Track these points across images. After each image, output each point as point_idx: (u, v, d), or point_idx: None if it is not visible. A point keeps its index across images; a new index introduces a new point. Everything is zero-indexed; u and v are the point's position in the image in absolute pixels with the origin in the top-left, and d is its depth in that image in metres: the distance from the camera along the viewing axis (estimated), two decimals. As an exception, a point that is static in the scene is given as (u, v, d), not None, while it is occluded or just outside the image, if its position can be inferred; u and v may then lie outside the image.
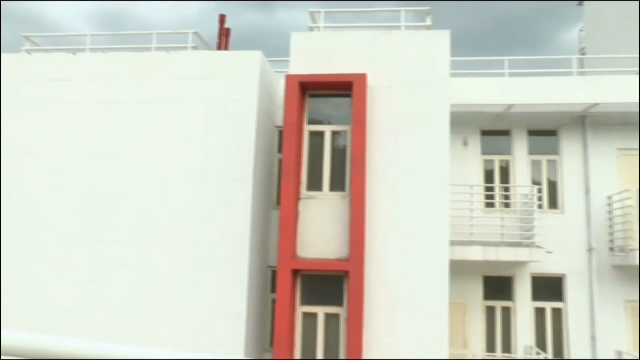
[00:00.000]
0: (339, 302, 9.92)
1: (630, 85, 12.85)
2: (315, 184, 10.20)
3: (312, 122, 10.46)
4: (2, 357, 1.50)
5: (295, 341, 9.87)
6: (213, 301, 10.13)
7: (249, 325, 10.31)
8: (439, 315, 9.71)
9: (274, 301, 10.52)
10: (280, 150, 11.26)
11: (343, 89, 10.17)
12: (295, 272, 9.92)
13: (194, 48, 11.84)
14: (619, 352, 12.09)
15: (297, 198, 10.06)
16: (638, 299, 12.23)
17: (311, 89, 10.41)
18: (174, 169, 10.67)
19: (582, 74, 14.46)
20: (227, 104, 10.81)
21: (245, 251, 10.27)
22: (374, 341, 9.64)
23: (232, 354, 9.88)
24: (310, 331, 9.94)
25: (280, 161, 10.99)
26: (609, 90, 12.49)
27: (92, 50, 12.01)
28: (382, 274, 9.79)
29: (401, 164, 9.96)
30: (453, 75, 11.89)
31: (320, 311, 9.97)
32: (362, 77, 9.99)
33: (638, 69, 12.97)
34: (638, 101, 12.07)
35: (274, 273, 10.78)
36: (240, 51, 11.36)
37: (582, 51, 23.36)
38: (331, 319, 9.95)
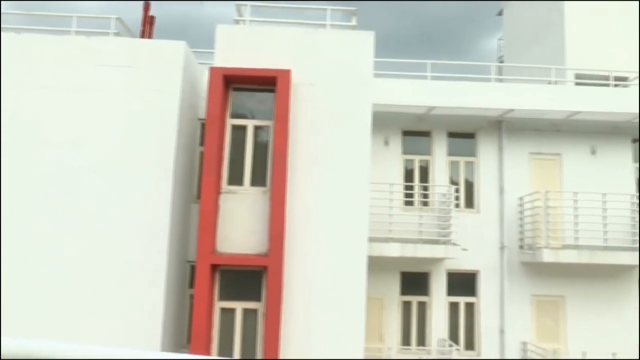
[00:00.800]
0: (257, 298, 9.93)
1: (542, 94, 13.58)
2: (236, 178, 10.14)
3: (235, 115, 10.38)
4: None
5: (213, 337, 9.80)
6: (130, 296, 9.88)
7: (166, 320, 10.14)
8: (356, 310, 9.90)
9: (192, 297, 10.39)
10: (202, 143, 11.11)
11: (267, 84, 10.15)
12: (214, 267, 9.84)
13: (117, 35, 11.46)
14: (525, 344, 12.80)
15: (218, 192, 9.97)
16: (543, 293, 12.99)
17: (235, 83, 10.33)
18: (92, 159, 10.29)
19: (499, 80, 15.12)
20: (149, 94, 10.53)
21: (164, 245, 10.08)
22: (291, 336, 9.72)
23: (149, 349, 9.68)
24: (228, 327, 9.90)
25: (201, 154, 10.83)
26: (524, 97, 13.14)
27: (4, 29, 11.36)
28: (301, 269, 9.88)
29: (323, 161, 10.07)
30: (376, 75, 12.13)
31: (239, 307, 9.95)
32: (286, 73, 10.01)
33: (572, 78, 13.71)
34: (550, 109, 12.78)
35: (193, 268, 10.64)
36: (164, 40, 11.10)
37: (500, 59, 24.43)
38: (249, 314, 9.95)
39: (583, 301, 13.17)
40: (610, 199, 12.77)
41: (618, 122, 13.61)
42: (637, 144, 14.12)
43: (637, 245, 13.05)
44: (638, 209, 13.20)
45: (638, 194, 13.45)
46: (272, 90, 10.19)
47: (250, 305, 9.94)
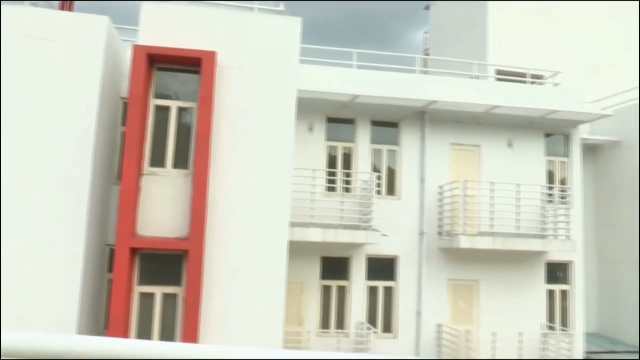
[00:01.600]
0: (177, 282, 9.90)
1: (464, 88, 14.20)
2: (158, 160, 10.03)
3: (158, 96, 10.24)
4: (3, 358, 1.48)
5: (131, 322, 9.71)
6: (46, 280, 9.61)
7: (83, 305, 9.95)
8: (276, 294, 10.08)
9: (111, 281, 10.25)
10: (124, 122, 10.90)
11: (192, 64, 10.07)
12: (134, 251, 9.73)
13: (33, 4, 11.01)
14: (440, 326, 13.47)
15: (139, 174, 9.84)
16: (458, 278, 13.72)
17: (159, 62, 10.18)
18: (6, 137, 9.88)
19: (424, 73, 15.64)
20: (68, 69, 10.19)
21: (82, 228, 9.84)
22: (211, 321, 9.77)
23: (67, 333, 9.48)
24: (147, 312, 9.82)
25: (123, 134, 10.65)
26: (446, 90, 13.71)
27: None
28: (222, 253, 9.93)
29: (247, 144, 10.13)
30: (303, 62, 12.29)
31: (158, 291, 9.87)
32: (211, 54, 9.97)
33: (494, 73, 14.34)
34: (471, 102, 13.39)
35: (112, 251, 10.48)
36: (86, 14, 10.76)
37: (426, 52, 25.24)
38: (169, 299, 9.91)
39: (495, 285, 14.00)
40: (523, 189, 13.57)
41: (533, 118, 14.44)
42: (549, 138, 15.05)
43: (546, 233, 13.99)
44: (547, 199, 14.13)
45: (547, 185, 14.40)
46: (197, 72, 10.12)
47: (170, 289, 9.90)
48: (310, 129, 13.23)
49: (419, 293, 13.56)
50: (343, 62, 13.87)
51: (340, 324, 13.29)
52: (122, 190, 9.58)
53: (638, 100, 17.17)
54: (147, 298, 9.83)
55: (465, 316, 13.84)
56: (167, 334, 9.79)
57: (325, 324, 13.25)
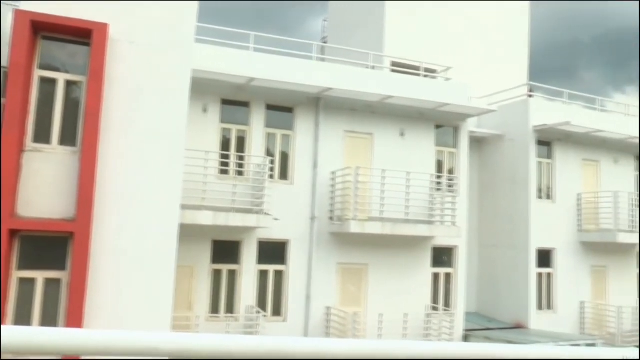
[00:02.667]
0: (61, 266, 9.74)
1: (360, 77, 14.96)
2: (43, 136, 9.83)
3: (44, 67, 10.00)
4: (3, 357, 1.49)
5: (7, 310, 9.44)
6: None
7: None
8: (166, 278, 10.22)
9: (-15, 263, 9.91)
10: (4, 94, 10.53)
11: (82, 36, 9.92)
12: (14, 233, 9.47)
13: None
14: (329, 308, 14.23)
15: (21, 150, 9.60)
16: (348, 262, 14.54)
17: (45, 31, 9.92)
18: None
19: (321, 60, 16.24)
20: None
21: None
22: (97, 306, 9.71)
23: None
24: (26, 299, 9.58)
25: (3, 107, 10.30)
26: (342, 78, 14.40)
27: None
28: (110, 235, 9.91)
29: (138, 123, 10.17)
30: (199, 41, 12.45)
31: (40, 276, 9.65)
32: (103, 26, 9.87)
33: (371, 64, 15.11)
34: (366, 91, 14.15)
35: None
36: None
37: (324, 40, 25.97)
38: (52, 284, 9.71)
39: (384, 268, 14.99)
40: (413, 177, 14.56)
41: (425, 109, 15.51)
42: (439, 130, 16.21)
43: (433, 219, 15.13)
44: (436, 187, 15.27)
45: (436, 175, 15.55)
46: (87, 44, 10.00)
47: (54, 274, 9.72)
48: (205, 110, 13.41)
49: (309, 277, 14.20)
50: (240, 45, 14.12)
51: (231, 309, 13.66)
52: (1, 167, 9.29)
53: (522, 98, 18.89)
54: (27, 284, 9.60)
55: (353, 299, 14.70)
56: (48, 322, 9.63)
57: (215, 309, 13.55)
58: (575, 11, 76.76)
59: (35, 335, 1.51)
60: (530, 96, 19.36)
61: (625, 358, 1.96)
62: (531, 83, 20.98)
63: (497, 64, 22.57)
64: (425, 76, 17.03)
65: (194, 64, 10.74)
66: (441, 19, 22.26)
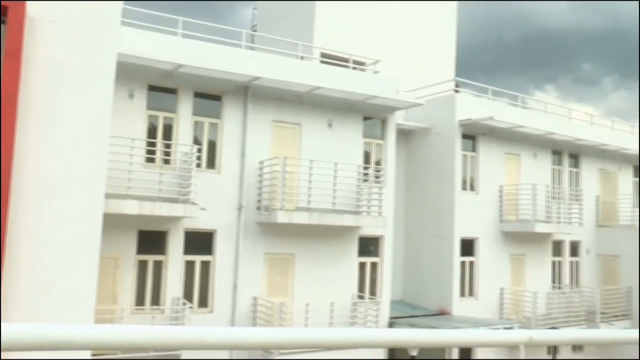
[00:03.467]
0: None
1: (289, 67, 15.16)
2: (-47, 119, 9.49)
3: (-47, 47, 9.64)
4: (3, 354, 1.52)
5: None
6: None
7: None
8: (88, 270, 10.01)
9: None
10: None
11: (-4, 16, 9.62)
12: None
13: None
14: (255, 299, 14.41)
15: None
16: (276, 252, 14.77)
17: (-44, 10, 9.57)
18: None
19: (250, 48, 16.31)
20: None
21: None
22: (14, 299, 9.46)
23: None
24: None
25: None
26: (271, 67, 14.55)
27: None
28: (29, 226, 9.65)
29: (60, 108, 9.96)
30: (125, 24, 12.28)
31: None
32: (20, 4, 9.53)
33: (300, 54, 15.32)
34: (294, 81, 14.37)
35: None
36: None
37: (253, 28, 26.01)
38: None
39: (311, 258, 15.33)
40: (341, 168, 14.91)
41: (353, 101, 15.91)
42: (367, 121, 16.65)
43: (360, 210, 15.55)
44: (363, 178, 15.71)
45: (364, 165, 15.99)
46: (1, 22, 9.69)
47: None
48: (131, 96, 13.25)
49: (236, 267, 14.33)
50: (169, 30, 14.01)
51: (156, 300, 13.60)
52: None
53: (448, 93, 19.65)
54: None
55: (281, 289, 14.95)
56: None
57: (140, 301, 13.46)
58: (501, 11, 79.89)
59: (34, 331, 1.60)
60: (456, 91, 20.20)
61: (531, 337, 2.25)
62: (458, 79, 21.85)
63: (425, 59, 23.32)
64: (354, 68, 17.44)
65: (120, 48, 10.61)
66: (371, 13, 22.78)
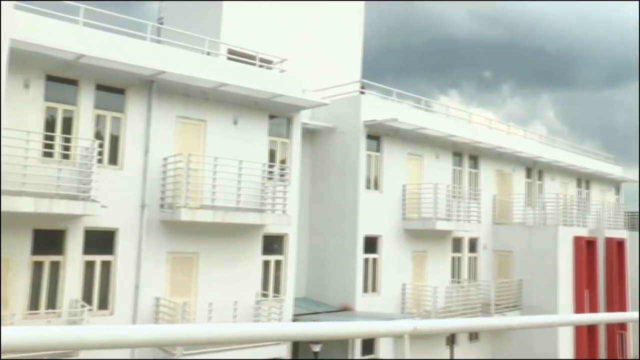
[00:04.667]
0: None
1: (195, 62, 15.21)
2: None
3: None
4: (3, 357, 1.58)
5: None
6: None
7: None
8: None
9: None
10: None
11: None
12: None
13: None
14: (158, 299, 14.35)
15: None
16: (179, 250, 14.78)
17: None
18: None
19: (156, 42, 16.20)
20: None
21: None
22: None
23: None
24: None
25: None
26: (177, 62, 14.56)
27: None
28: None
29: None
30: (19, 8, 11.89)
31: None
32: None
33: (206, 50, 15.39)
34: (200, 77, 14.44)
35: None
36: None
37: (160, 21, 25.72)
38: None
39: (215, 257, 15.47)
40: (246, 166, 15.13)
41: (259, 99, 16.20)
42: (273, 120, 16.98)
43: (265, 208, 15.84)
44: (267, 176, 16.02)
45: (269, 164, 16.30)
46: None
47: None
48: (26, 86, 12.82)
49: (138, 267, 14.21)
50: (69, 17, 13.61)
51: (52, 304, 13.22)
52: None
53: (354, 94, 20.36)
54: None
55: (184, 288, 14.97)
56: None
57: (34, 305, 13.03)
58: (407, 16, 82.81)
59: (32, 334, 1.71)
60: (362, 93, 20.98)
61: (415, 327, 2.46)
62: (364, 80, 22.65)
63: (332, 60, 24.00)
64: (261, 66, 17.69)
65: (14, 33, 10.30)
66: (279, 12, 23.16)
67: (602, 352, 25.47)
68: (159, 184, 14.54)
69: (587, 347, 23.13)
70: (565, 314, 21.13)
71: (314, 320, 16.77)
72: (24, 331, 1.70)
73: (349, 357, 18.34)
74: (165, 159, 14.59)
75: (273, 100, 16.28)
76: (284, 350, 15.87)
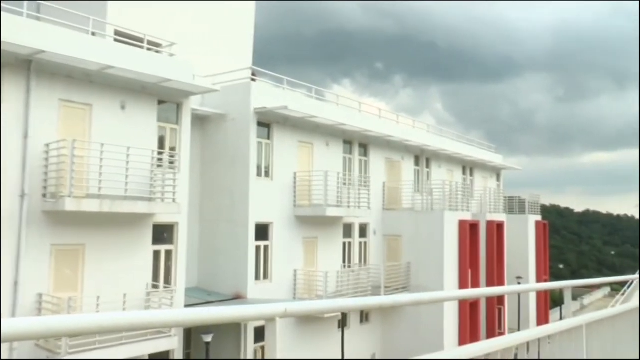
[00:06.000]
0: None
1: (79, 42, 14.68)
2: None
3: None
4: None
5: None
6: None
7: None
8: None
9: None
10: None
11: None
12: None
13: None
14: (40, 295, 13.80)
15: None
16: (64, 243, 14.29)
17: None
18: None
19: (35, 18, 15.45)
20: None
21: None
22: None
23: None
24: None
25: None
26: (58, 41, 13.96)
27: None
28: None
29: None
30: None
31: None
32: None
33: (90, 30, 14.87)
34: (84, 58, 13.94)
35: None
36: None
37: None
38: None
39: (102, 248, 15.11)
40: (134, 152, 14.85)
41: (147, 83, 15.92)
42: (162, 105, 16.76)
43: (154, 196, 15.66)
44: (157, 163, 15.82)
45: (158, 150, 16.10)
46: None
47: None
48: None
49: (18, 261, 13.57)
50: None
51: None
52: None
53: (245, 81, 20.44)
54: None
55: (69, 283, 14.52)
56: None
57: None
58: (300, 6, 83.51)
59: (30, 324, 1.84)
60: (253, 80, 21.09)
61: (286, 309, 2.56)
62: (255, 68, 22.75)
63: (223, 47, 23.92)
64: (149, 49, 17.35)
65: None
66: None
67: (483, 325, 27.41)
68: (40, 171, 13.93)
69: (469, 321, 24.76)
70: (450, 290, 22.51)
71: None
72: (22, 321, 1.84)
73: (242, 346, 18.57)
74: (47, 145, 14.01)
75: (162, 85, 16.06)
76: (176, 343, 15.83)
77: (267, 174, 20.51)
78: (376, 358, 24.64)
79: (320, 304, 2.94)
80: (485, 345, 3.51)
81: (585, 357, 5.05)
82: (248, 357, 18.81)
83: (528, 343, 4.08)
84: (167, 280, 16.73)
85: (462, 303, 24.36)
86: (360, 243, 24.94)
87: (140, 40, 17.10)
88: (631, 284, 33.55)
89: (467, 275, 25.01)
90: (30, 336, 1.87)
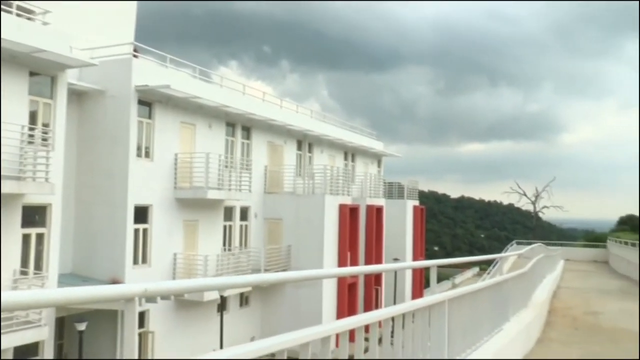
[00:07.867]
0: None
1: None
2: None
3: None
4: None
5: None
6: None
7: None
8: None
9: None
10: None
11: None
12: None
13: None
14: None
15: None
16: None
17: None
18: None
19: None
20: None
21: None
22: None
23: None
24: None
25: None
26: None
27: None
28: None
29: None
30: None
31: None
32: None
33: None
34: None
35: None
36: None
37: None
38: None
39: (-37, 230, 14.04)
40: (2, 128, 13.94)
41: (17, 52, 14.90)
42: (34, 78, 15.82)
43: (24, 175, 14.81)
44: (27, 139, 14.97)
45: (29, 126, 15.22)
46: None
47: None
48: None
49: None
50: None
51: None
52: None
53: (126, 56, 19.69)
54: None
55: None
56: None
57: None
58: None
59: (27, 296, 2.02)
60: (135, 56, 20.34)
61: (146, 289, 2.44)
62: (137, 44, 21.88)
63: (103, 19, 22.78)
64: (19, 15, 16.24)
65: None
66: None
67: (361, 305, 28.44)
68: None
69: (347, 301, 25.61)
70: (326, 269, 23.13)
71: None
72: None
73: (117, 334, 18.06)
74: None
75: (34, 55, 15.13)
76: (46, 333, 15.17)
77: (147, 155, 19.96)
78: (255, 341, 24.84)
79: (180, 283, 2.97)
80: (353, 320, 3.75)
81: (446, 329, 5.61)
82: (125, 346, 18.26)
83: (393, 318, 4.40)
84: (38, 266, 15.87)
85: (341, 284, 25.16)
86: (241, 226, 24.99)
87: (9, 5, 15.97)
88: (496, 263, 36.14)
89: (347, 257, 25.81)
90: None
